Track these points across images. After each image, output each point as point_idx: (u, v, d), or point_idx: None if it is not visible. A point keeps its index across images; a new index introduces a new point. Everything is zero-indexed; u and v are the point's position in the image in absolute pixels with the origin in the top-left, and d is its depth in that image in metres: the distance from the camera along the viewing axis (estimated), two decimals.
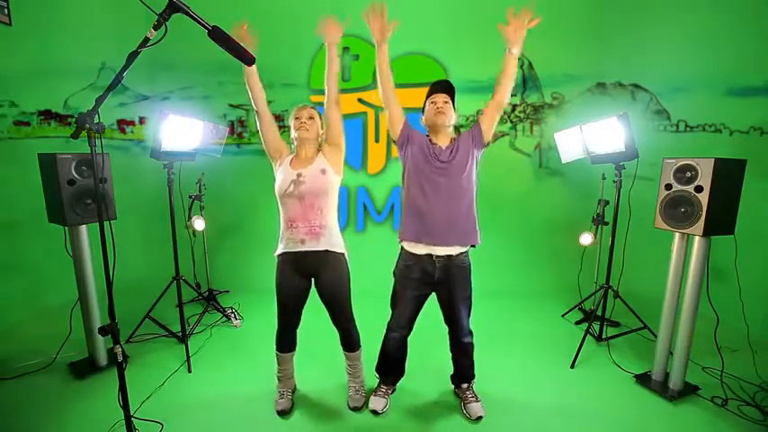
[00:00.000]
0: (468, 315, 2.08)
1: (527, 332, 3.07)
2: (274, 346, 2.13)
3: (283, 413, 2.08)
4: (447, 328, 2.12)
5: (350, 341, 2.12)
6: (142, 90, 4.06)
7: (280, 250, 2.00)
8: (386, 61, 1.95)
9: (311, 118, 1.98)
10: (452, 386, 2.28)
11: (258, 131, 2.05)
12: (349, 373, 2.22)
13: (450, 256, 1.93)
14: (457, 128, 4.02)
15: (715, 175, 1.98)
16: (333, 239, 1.97)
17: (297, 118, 1.97)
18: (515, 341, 2.91)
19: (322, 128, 2.03)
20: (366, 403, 2.15)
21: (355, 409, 2.13)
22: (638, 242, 2.87)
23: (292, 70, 4.00)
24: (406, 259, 2.00)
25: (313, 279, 2.02)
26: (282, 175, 1.94)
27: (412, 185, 1.95)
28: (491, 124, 1.96)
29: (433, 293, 2.06)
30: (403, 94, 3.99)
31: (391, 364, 2.19)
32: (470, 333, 2.12)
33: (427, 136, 2.01)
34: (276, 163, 2.03)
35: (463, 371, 2.18)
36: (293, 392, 2.24)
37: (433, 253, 1.93)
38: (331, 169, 1.96)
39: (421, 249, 1.95)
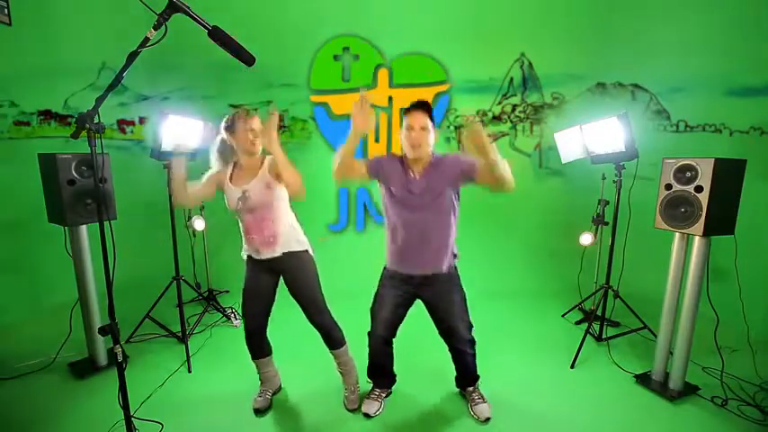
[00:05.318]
0: (467, 324, 2.01)
1: (527, 332, 3.06)
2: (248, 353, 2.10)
3: (258, 412, 2.09)
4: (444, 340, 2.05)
5: (331, 338, 2.08)
6: (142, 90, 4.06)
7: (244, 254, 2.06)
8: (354, 149, 1.76)
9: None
10: (457, 389, 2.26)
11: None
12: (341, 372, 2.19)
13: (427, 276, 1.90)
14: (457, 127, 4.01)
15: (715, 175, 1.98)
16: (289, 242, 1.97)
17: (250, 129, 1.86)
18: (515, 341, 2.90)
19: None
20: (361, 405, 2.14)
21: (352, 410, 2.12)
22: (638, 242, 2.87)
23: (292, 70, 3.99)
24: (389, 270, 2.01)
25: (282, 278, 2.05)
26: (229, 194, 1.94)
27: (390, 212, 1.91)
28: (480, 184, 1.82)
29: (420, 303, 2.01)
30: (403, 94, 4.02)
31: (378, 371, 2.16)
32: (471, 343, 2.04)
33: (402, 158, 1.90)
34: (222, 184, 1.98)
35: (465, 377, 2.16)
36: (276, 392, 2.25)
37: (411, 273, 1.91)
38: (276, 184, 1.90)
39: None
